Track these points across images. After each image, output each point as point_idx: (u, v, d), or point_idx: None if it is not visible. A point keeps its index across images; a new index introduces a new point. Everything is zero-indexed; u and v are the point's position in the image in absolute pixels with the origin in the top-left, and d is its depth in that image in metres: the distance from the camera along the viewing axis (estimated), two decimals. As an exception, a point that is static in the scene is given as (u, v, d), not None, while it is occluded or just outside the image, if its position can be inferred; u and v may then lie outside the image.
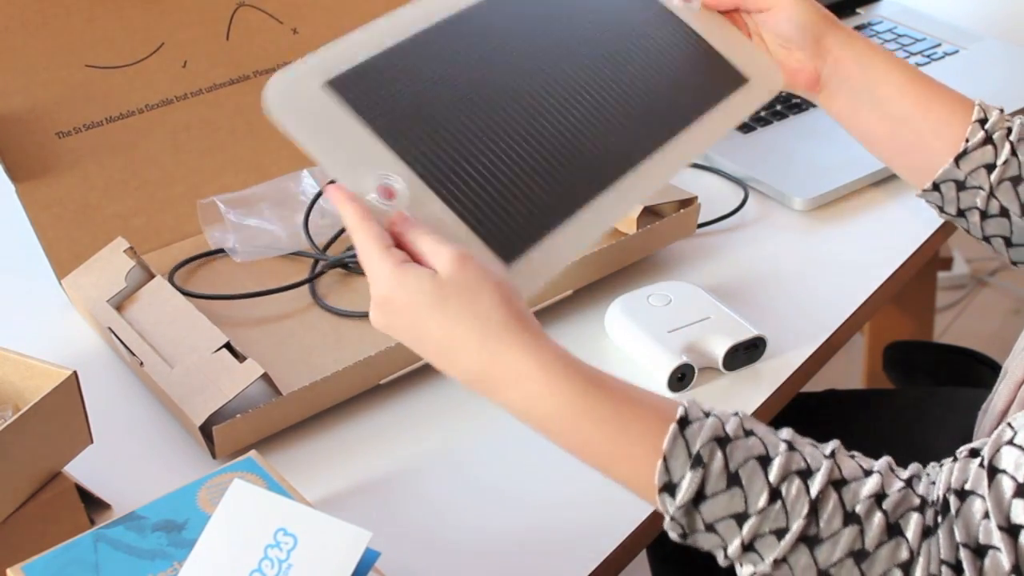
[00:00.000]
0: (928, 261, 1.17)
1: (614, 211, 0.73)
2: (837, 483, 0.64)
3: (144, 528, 0.73)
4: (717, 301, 0.98)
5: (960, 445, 0.67)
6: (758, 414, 0.92)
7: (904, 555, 0.62)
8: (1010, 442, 0.63)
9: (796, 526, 0.63)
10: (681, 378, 0.92)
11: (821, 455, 0.66)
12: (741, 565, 0.66)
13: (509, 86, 0.73)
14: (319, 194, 1.09)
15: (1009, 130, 0.88)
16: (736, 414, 0.67)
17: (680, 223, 1.07)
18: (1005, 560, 0.60)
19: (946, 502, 0.63)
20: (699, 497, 0.65)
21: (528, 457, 0.89)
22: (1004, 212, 0.88)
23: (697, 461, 0.64)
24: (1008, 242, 0.90)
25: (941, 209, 0.91)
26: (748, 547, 0.65)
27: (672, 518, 0.66)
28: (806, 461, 0.65)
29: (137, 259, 0.99)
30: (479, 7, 0.78)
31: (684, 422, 0.66)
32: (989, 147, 0.88)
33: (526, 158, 0.71)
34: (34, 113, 1.07)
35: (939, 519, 0.63)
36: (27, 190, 1.05)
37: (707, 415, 0.67)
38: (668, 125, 0.78)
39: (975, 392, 1.15)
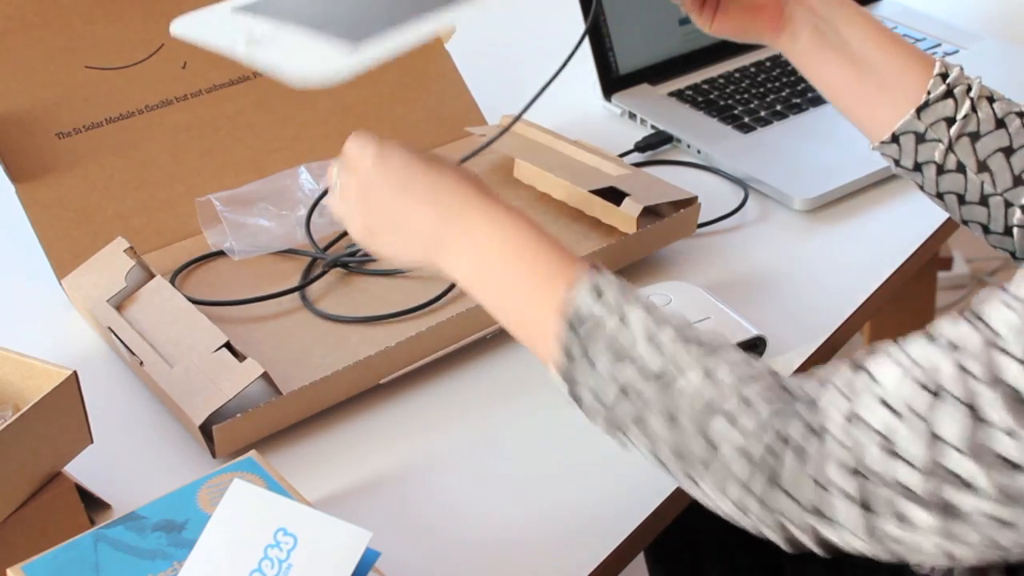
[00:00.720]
0: (928, 261, 1.17)
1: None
2: (708, 346, 0.69)
3: (144, 528, 0.73)
4: (717, 301, 0.98)
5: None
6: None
7: (736, 408, 0.66)
8: (886, 352, 0.65)
9: (654, 363, 0.69)
10: None
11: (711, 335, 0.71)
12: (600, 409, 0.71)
13: None
14: (324, 193, 1.09)
15: (969, 87, 0.89)
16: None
17: (680, 223, 1.07)
18: (839, 449, 0.63)
19: (802, 387, 0.68)
20: (587, 321, 0.70)
21: (528, 458, 0.89)
22: (960, 168, 0.89)
23: (598, 292, 0.71)
24: (961, 199, 0.90)
25: (897, 162, 0.92)
26: (611, 376, 0.69)
27: (562, 341, 0.71)
28: (695, 331, 0.71)
29: (137, 259, 0.99)
30: None
31: (596, 267, 0.73)
32: (950, 100, 0.88)
33: None
34: (34, 114, 1.08)
35: (788, 399, 0.66)
36: (27, 190, 1.05)
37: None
38: None
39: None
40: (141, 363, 0.92)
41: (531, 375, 0.96)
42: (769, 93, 1.31)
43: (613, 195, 1.08)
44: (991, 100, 0.90)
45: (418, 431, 0.92)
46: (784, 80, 1.34)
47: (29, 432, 0.74)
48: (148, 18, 1.14)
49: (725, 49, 1.38)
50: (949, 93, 0.88)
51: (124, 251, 0.99)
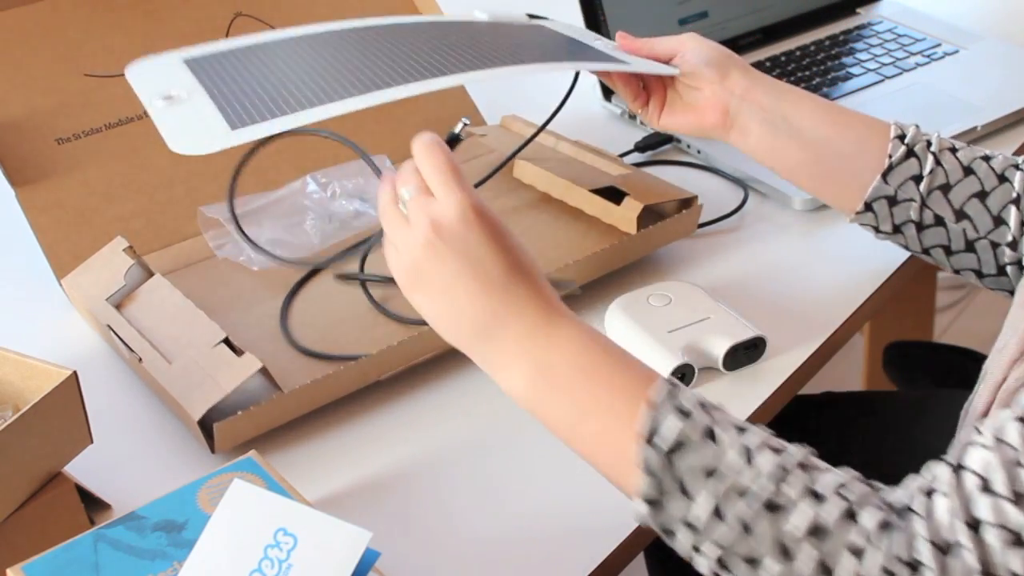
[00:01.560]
0: (928, 261, 1.17)
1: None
2: (805, 465, 0.65)
3: (144, 528, 0.73)
4: (717, 301, 0.98)
5: (960, 445, 0.67)
6: (758, 414, 0.92)
7: (858, 541, 0.62)
8: (977, 444, 0.62)
9: (763, 490, 0.63)
10: (681, 378, 0.92)
11: (793, 446, 0.67)
12: (701, 547, 0.65)
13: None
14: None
15: (928, 142, 0.90)
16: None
17: (680, 223, 1.07)
18: (972, 558, 0.60)
19: (911, 504, 0.63)
20: (678, 446, 0.65)
21: (528, 458, 0.89)
22: (939, 220, 0.90)
23: (682, 412, 0.66)
24: (948, 250, 0.91)
25: (876, 229, 0.93)
26: (716, 510, 0.64)
27: (649, 469, 0.65)
28: (779, 442, 0.66)
29: (136, 258, 0.99)
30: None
31: (672, 383, 0.68)
32: (913, 160, 0.90)
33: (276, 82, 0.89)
34: (34, 120, 1.08)
35: (901, 519, 0.63)
36: (27, 194, 1.06)
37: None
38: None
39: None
40: (140, 360, 0.92)
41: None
42: (769, 93, 1.31)
43: (613, 195, 1.08)
44: (953, 150, 0.91)
45: (418, 431, 0.92)
46: (784, 80, 1.33)
47: (29, 432, 0.74)
48: (147, 27, 1.14)
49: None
50: (910, 152, 0.90)
51: (123, 250, 0.99)
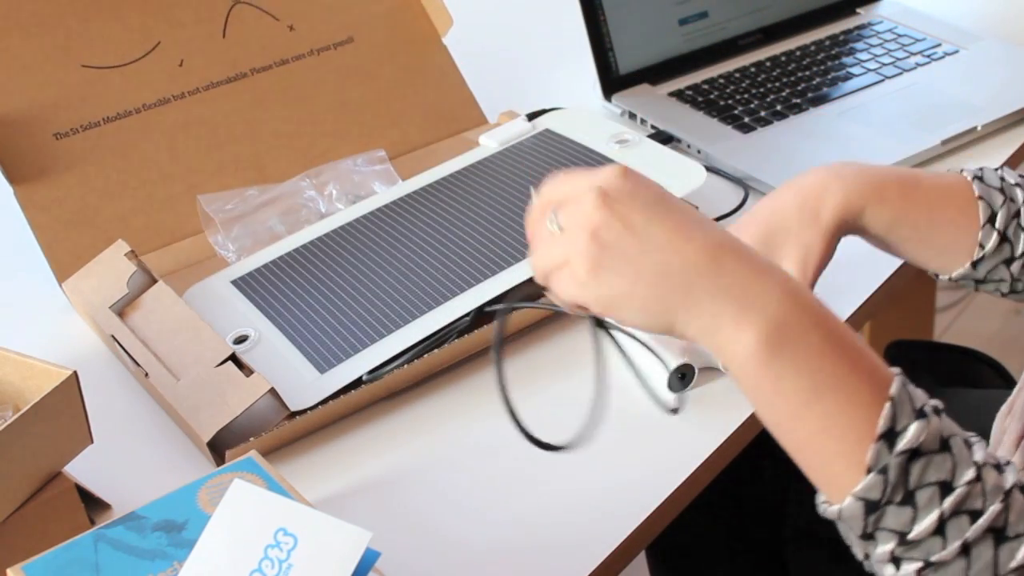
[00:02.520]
0: (928, 261, 1.17)
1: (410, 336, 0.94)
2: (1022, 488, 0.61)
3: (144, 528, 0.72)
4: None
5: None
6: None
7: None
8: None
9: (991, 511, 0.58)
10: (682, 378, 0.92)
11: (1008, 465, 0.62)
12: (904, 558, 0.60)
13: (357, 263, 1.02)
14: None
15: (1017, 214, 0.84)
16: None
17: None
18: None
19: None
20: (916, 452, 0.58)
21: (528, 458, 0.89)
22: None
23: (921, 414, 0.59)
24: None
25: (957, 286, 0.89)
26: (940, 527, 0.58)
27: (883, 470, 0.58)
28: (995, 456, 0.61)
29: (139, 263, 0.98)
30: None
31: (905, 379, 0.61)
32: (1006, 245, 0.84)
33: (347, 311, 0.97)
34: (31, 114, 1.07)
35: None
36: (25, 192, 1.05)
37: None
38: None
39: (976, 392, 1.15)
40: (146, 375, 0.92)
41: (530, 376, 0.96)
42: (769, 93, 1.31)
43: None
44: None
45: (418, 431, 0.92)
46: (784, 80, 1.34)
47: (29, 432, 0.74)
48: (145, 16, 1.14)
49: (725, 49, 1.38)
50: (1003, 239, 0.83)
51: (125, 255, 0.99)
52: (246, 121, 1.15)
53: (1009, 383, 1.22)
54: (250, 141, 1.15)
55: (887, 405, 0.59)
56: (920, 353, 1.39)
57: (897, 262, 1.08)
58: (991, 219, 0.83)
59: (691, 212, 0.63)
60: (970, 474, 0.59)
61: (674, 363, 0.91)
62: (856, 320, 1.04)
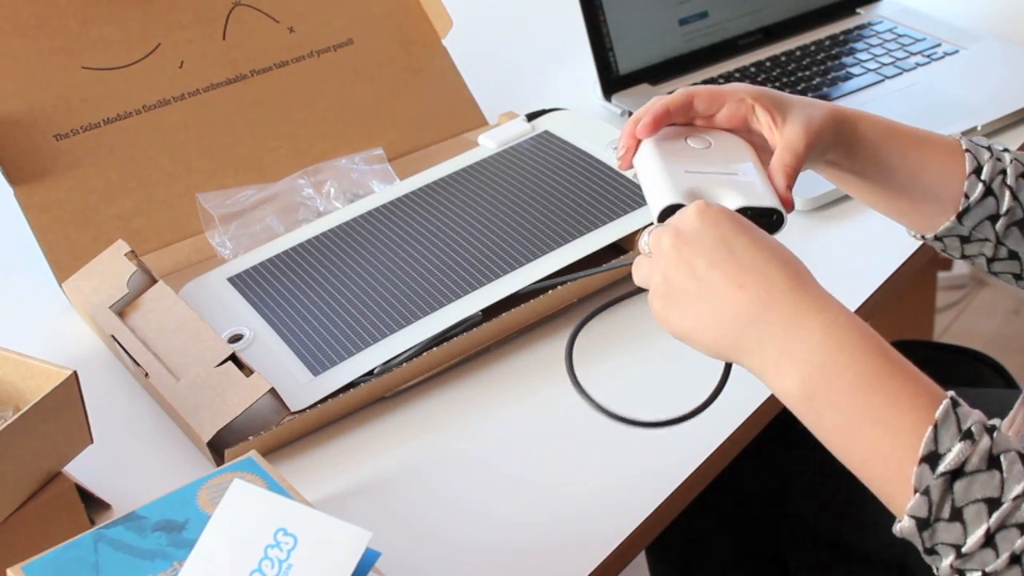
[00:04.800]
0: (928, 261, 1.17)
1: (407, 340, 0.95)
2: None
3: (144, 528, 0.72)
4: (756, 165, 0.84)
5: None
6: (759, 413, 0.92)
7: None
8: None
9: None
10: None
11: None
12: (965, 569, 0.62)
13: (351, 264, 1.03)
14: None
15: (1003, 172, 0.85)
16: (996, 419, 0.65)
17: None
18: None
19: None
20: (959, 472, 0.61)
21: (528, 458, 0.89)
22: (1013, 255, 0.86)
23: (967, 435, 0.62)
24: (1018, 277, 0.88)
25: (943, 251, 0.89)
26: (989, 540, 0.61)
27: (926, 491, 0.62)
28: None
29: (139, 263, 0.98)
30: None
31: (955, 401, 0.63)
32: (990, 199, 0.84)
33: (342, 313, 0.97)
34: (31, 116, 1.07)
35: None
36: (25, 193, 1.05)
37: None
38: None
39: (976, 392, 1.15)
40: (146, 375, 0.92)
41: (530, 377, 0.96)
42: (769, 93, 1.31)
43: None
44: None
45: (418, 431, 0.92)
46: (784, 80, 1.34)
47: (29, 432, 0.74)
48: (145, 18, 1.14)
49: (725, 49, 1.38)
50: (988, 191, 0.84)
51: (125, 255, 0.99)
52: (246, 123, 1.15)
53: (1009, 383, 1.22)
54: (250, 142, 1.15)
55: (929, 429, 0.62)
56: (920, 353, 1.38)
57: (898, 260, 1.08)
58: (976, 171, 0.84)
59: (751, 255, 0.69)
60: (1018, 489, 0.61)
61: (668, 201, 0.79)
62: (856, 320, 1.04)
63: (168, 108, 1.13)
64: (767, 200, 0.79)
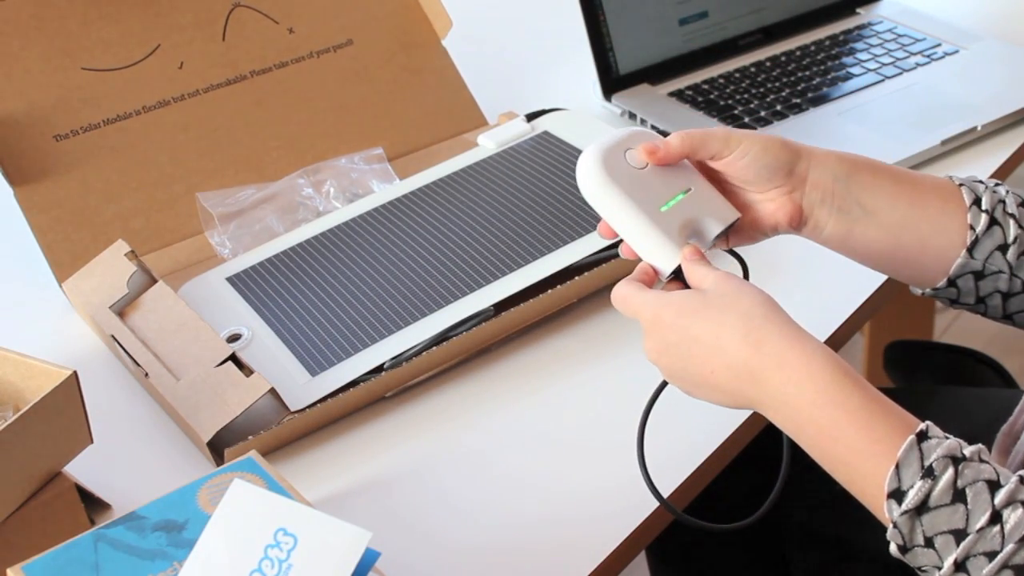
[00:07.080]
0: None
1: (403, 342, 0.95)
2: None
3: (144, 528, 0.72)
4: (691, 168, 0.83)
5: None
6: (760, 413, 0.92)
7: None
8: None
9: (1007, 550, 0.63)
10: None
11: None
12: None
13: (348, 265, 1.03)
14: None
15: (1002, 202, 0.83)
16: (977, 445, 0.67)
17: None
18: None
19: None
20: (923, 507, 0.65)
21: (528, 458, 0.89)
22: None
23: (928, 473, 0.65)
24: None
25: (954, 301, 0.86)
26: (960, 566, 0.65)
27: (894, 525, 0.66)
28: None
29: (139, 263, 0.98)
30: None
31: (923, 436, 0.67)
32: (996, 228, 0.82)
33: (340, 314, 0.98)
34: (31, 117, 1.08)
35: None
36: (25, 194, 1.05)
37: (947, 437, 0.67)
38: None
39: (976, 392, 1.15)
40: (146, 374, 0.92)
41: (530, 377, 0.96)
42: (769, 93, 1.31)
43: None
44: None
45: (418, 431, 0.92)
46: (784, 80, 1.34)
47: (29, 432, 0.74)
48: (145, 19, 1.14)
49: (725, 49, 1.38)
50: (993, 221, 0.82)
51: (125, 255, 0.99)
52: (246, 123, 1.15)
53: (1009, 383, 1.22)
54: (250, 143, 1.15)
55: (891, 469, 0.66)
56: (920, 353, 1.39)
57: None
58: (976, 202, 0.83)
59: (710, 339, 0.73)
60: (983, 520, 0.64)
61: (677, 260, 0.80)
62: (856, 320, 1.04)
63: (168, 108, 1.13)
64: (729, 214, 0.83)
